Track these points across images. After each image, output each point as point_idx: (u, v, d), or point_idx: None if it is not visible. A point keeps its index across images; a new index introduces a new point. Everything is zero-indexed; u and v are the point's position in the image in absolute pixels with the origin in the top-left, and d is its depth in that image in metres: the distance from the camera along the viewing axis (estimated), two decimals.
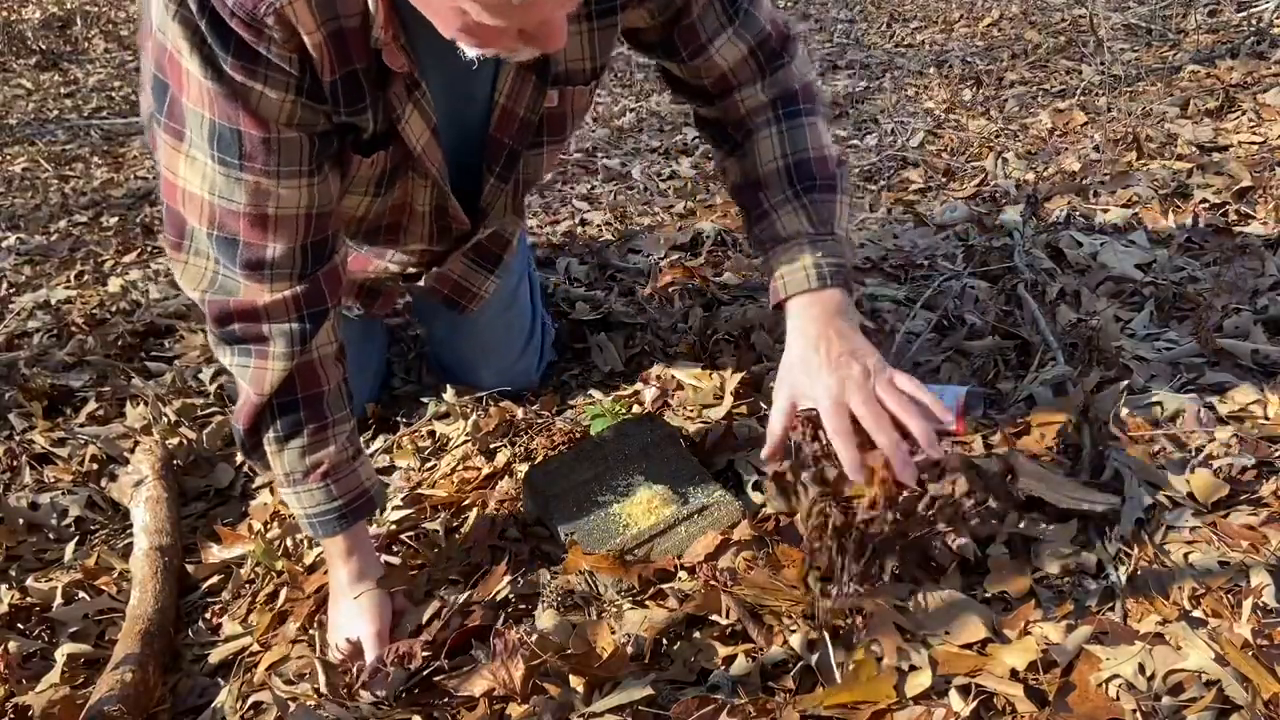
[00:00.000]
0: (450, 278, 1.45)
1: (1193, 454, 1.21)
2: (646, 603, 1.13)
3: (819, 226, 1.15)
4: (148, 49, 1.26)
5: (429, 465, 1.50)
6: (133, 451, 1.57)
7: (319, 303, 1.10)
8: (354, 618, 1.15)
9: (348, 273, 1.40)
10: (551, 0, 0.82)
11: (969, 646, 1.00)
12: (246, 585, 1.32)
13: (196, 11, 0.90)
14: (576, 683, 1.03)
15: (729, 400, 1.46)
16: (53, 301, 2.21)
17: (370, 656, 1.11)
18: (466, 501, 1.38)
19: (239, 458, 1.59)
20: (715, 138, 1.29)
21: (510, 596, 1.18)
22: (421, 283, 1.43)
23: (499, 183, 1.26)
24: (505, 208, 1.33)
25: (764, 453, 1.07)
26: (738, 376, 1.49)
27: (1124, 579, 1.06)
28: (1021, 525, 1.12)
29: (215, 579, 1.35)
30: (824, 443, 1.03)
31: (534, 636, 1.06)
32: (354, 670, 1.09)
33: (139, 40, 1.32)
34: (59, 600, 1.30)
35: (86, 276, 2.39)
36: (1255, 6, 3.44)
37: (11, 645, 1.20)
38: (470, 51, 0.90)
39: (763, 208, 1.19)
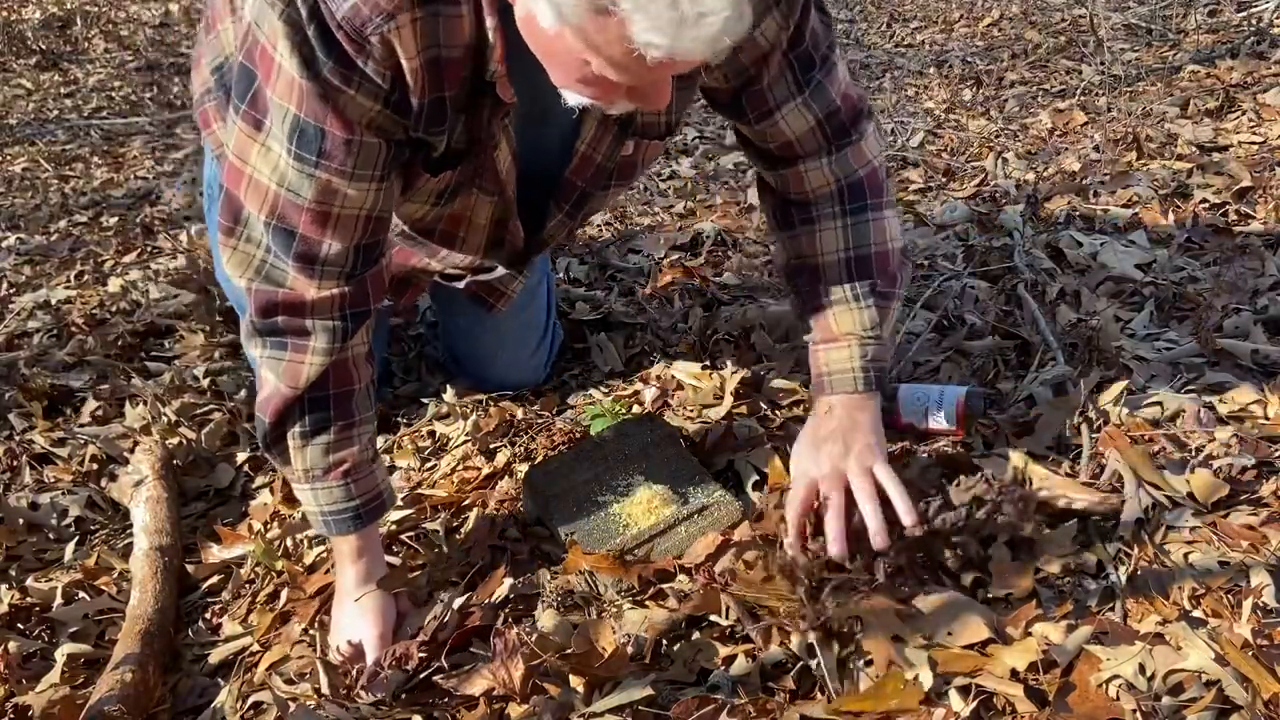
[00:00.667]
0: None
1: (1193, 454, 1.21)
2: (646, 603, 1.13)
3: (871, 330, 1.19)
4: (220, 32, 1.29)
5: (429, 465, 1.50)
6: (133, 451, 1.57)
7: (363, 304, 1.11)
8: (357, 619, 1.15)
9: (390, 264, 1.42)
10: (680, 64, 0.83)
11: (970, 647, 1.00)
12: (246, 585, 1.32)
13: (306, 17, 0.92)
14: (576, 683, 1.03)
15: (729, 400, 1.46)
16: (53, 301, 2.21)
17: (371, 659, 1.11)
18: (466, 501, 1.38)
19: (240, 457, 1.59)
20: (774, 211, 1.29)
21: (510, 596, 1.18)
22: (461, 285, 1.44)
23: (565, 219, 1.29)
24: (565, 236, 1.35)
25: (788, 541, 1.12)
26: (738, 376, 1.49)
27: (1124, 579, 1.06)
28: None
29: (215, 579, 1.35)
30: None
31: (534, 636, 1.07)
32: (354, 672, 1.09)
33: (207, 20, 1.34)
34: (59, 600, 1.30)
35: (86, 276, 2.39)
36: (1255, 6, 3.44)
37: (11, 645, 1.20)
38: (573, 99, 0.93)
39: (819, 301, 1.23)
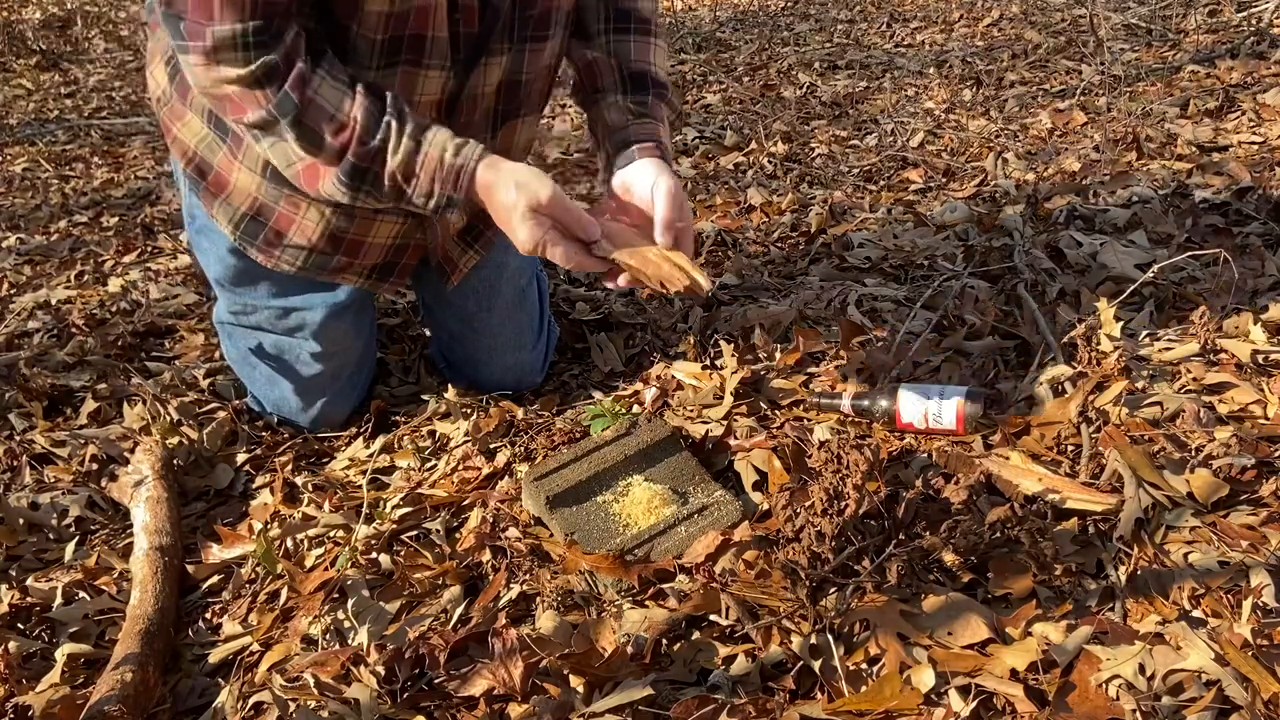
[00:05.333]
0: (444, 244, 1.52)
1: (1193, 454, 1.21)
2: (646, 603, 1.13)
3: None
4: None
5: (429, 465, 1.50)
6: (133, 451, 1.57)
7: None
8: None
9: (362, 246, 1.44)
10: None
11: (970, 647, 1.00)
12: (246, 585, 1.32)
13: None
14: (576, 683, 1.03)
15: (729, 400, 1.46)
16: (53, 301, 2.21)
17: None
18: (466, 501, 1.38)
19: (240, 458, 1.58)
20: (601, 14, 1.41)
21: (510, 596, 1.18)
22: (426, 230, 1.47)
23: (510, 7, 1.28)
24: (510, 27, 1.32)
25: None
26: (738, 376, 1.49)
27: (1124, 579, 1.06)
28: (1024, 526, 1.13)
29: (215, 579, 1.35)
30: (845, 471, 1.15)
31: (534, 636, 1.06)
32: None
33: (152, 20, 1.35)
34: (59, 600, 1.30)
35: (86, 276, 2.39)
36: (1255, 6, 3.44)
37: (11, 645, 1.20)
38: None
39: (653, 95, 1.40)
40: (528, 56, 1.35)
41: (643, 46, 1.41)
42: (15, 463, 1.60)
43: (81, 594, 1.32)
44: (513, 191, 1.16)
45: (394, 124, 1.17)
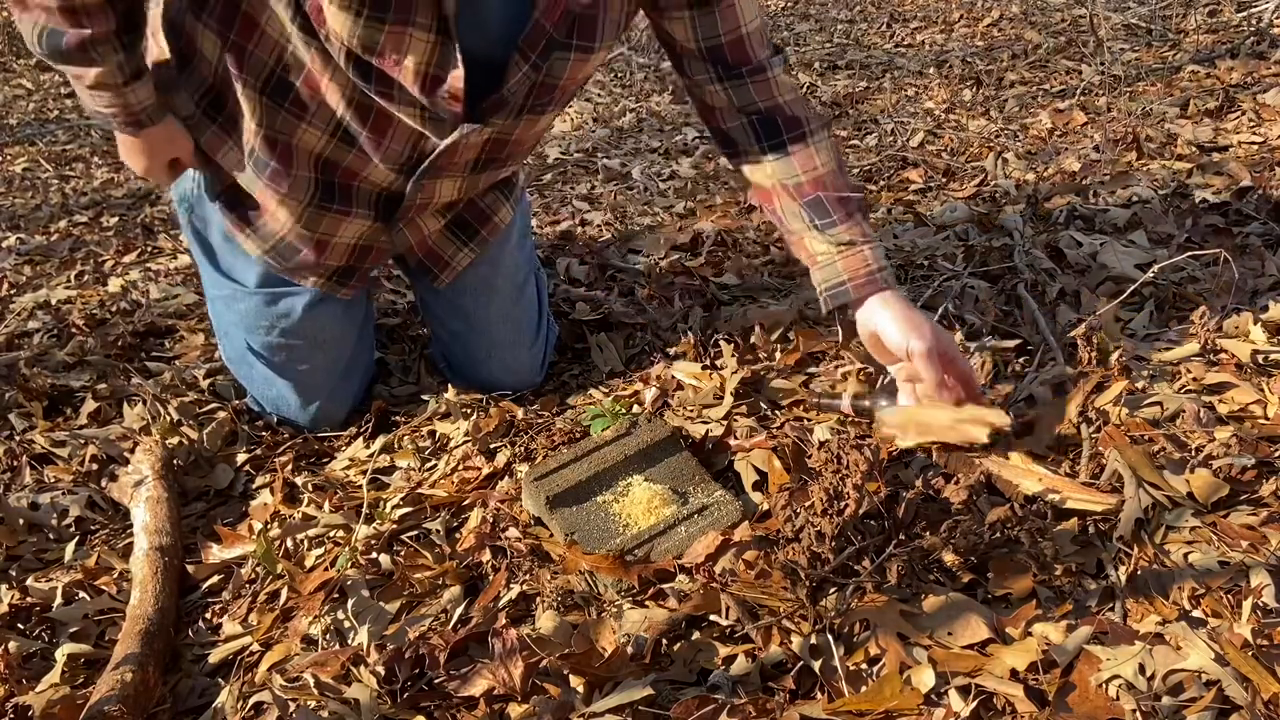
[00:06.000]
0: (426, 244, 1.52)
1: (1193, 454, 1.21)
2: (646, 603, 1.13)
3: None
4: None
5: (429, 465, 1.50)
6: (133, 451, 1.57)
7: None
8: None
9: (328, 245, 1.45)
10: None
11: (970, 647, 1.00)
12: (246, 585, 1.32)
13: None
14: (576, 683, 1.03)
15: (729, 400, 1.46)
16: (53, 301, 2.21)
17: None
18: (466, 501, 1.38)
19: (240, 458, 1.59)
20: (753, 131, 1.34)
21: (510, 596, 1.18)
22: (393, 234, 1.47)
23: (531, 71, 1.25)
24: (517, 109, 1.31)
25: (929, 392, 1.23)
26: (738, 376, 1.49)
27: (1124, 579, 1.06)
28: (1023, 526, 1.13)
29: (215, 579, 1.35)
30: (845, 470, 1.14)
31: (534, 636, 1.06)
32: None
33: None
34: (59, 600, 1.30)
35: (86, 276, 2.39)
36: (1255, 6, 3.44)
37: (11, 645, 1.20)
38: None
39: (841, 213, 1.32)
40: (523, 123, 1.36)
41: (805, 157, 1.31)
42: (15, 463, 1.60)
43: (81, 594, 1.32)
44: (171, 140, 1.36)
45: (130, 53, 1.25)
